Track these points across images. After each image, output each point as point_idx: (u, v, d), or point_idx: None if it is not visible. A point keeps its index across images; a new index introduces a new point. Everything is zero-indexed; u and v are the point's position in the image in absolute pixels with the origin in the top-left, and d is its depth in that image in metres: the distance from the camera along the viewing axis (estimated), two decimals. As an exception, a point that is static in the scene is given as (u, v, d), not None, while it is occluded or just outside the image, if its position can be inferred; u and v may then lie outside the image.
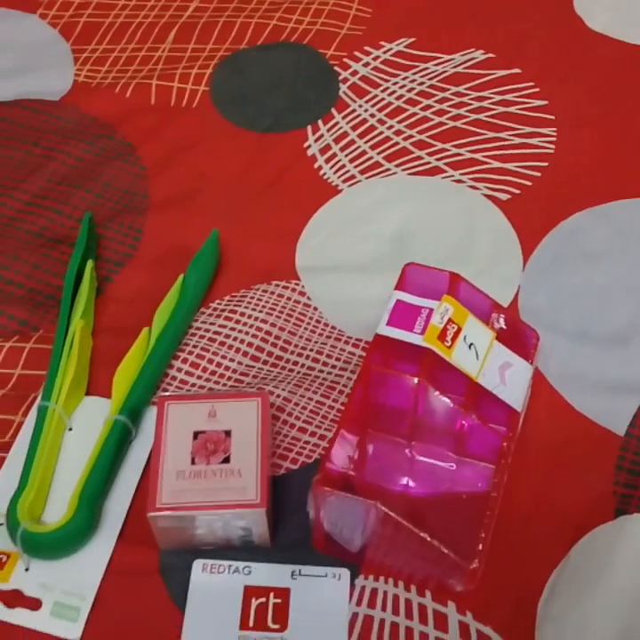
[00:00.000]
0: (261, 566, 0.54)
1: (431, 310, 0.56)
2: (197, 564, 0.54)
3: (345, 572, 0.54)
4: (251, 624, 0.52)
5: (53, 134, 0.79)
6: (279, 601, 0.53)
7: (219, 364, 0.63)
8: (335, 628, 0.52)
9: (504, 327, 0.59)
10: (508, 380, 0.57)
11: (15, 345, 0.65)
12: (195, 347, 0.64)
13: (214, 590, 0.53)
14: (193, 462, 0.54)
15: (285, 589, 0.53)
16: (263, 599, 0.53)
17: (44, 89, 0.82)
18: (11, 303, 0.68)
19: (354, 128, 0.78)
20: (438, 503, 0.53)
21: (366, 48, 0.84)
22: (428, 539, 0.49)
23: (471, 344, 0.57)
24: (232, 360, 0.63)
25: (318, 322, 0.66)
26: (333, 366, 0.63)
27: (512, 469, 0.55)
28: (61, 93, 0.82)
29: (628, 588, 0.52)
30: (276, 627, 0.52)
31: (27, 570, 0.55)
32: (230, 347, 0.64)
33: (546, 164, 0.74)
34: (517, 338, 0.59)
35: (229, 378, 0.63)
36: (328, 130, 0.78)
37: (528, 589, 0.53)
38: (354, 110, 0.79)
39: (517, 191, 0.72)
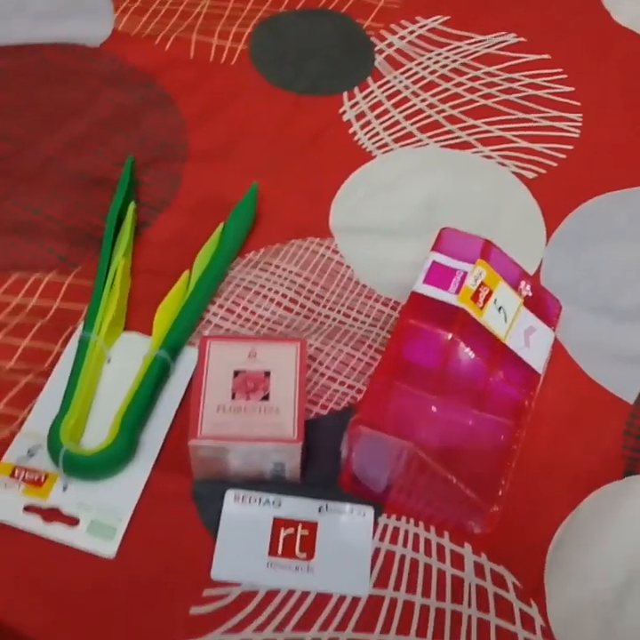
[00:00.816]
0: (290, 500, 0.60)
1: (466, 273, 0.62)
2: (230, 494, 0.59)
3: (369, 510, 0.59)
4: (279, 552, 0.58)
5: (94, 79, 0.83)
6: (306, 533, 0.58)
7: (253, 312, 0.68)
8: (359, 561, 0.57)
9: (530, 294, 0.65)
10: (532, 343, 0.63)
11: (54, 278, 0.70)
12: (230, 294, 0.69)
13: (245, 519, 0.59)
14: (233, 398, 0.59)
15: (313, 523, 0.59)
16: (291, 530, 0.58)
17: (84, 35, 0.86)
18: (50, 238, 0.72)
19: (388, 98, 0.83)
20: (462, 453, 0.59)
21: (402, 22, 0.89)
22: (454, 480, 0.55)
23: (500, 307, 0.62)
24: (266, 309, 0.69)
25: (350, 279, 0.71)
26: (363, 322, 0.69)
27: (529, 426, 0.61)
28: (101, 40, 0.86)
29: (633, 541, 0.58)
30: (303, 556, 0.57)
31: (65, 489, 0.60)
32: (264, 296, 0.69)
33: (571, 147, 0.80)
34: (541, 305, 0.65)
35: (262, 326, 0.68)
36: (363, 97, 0.83)
37: (539, 536, 0.59)
38: (388, 81, 0.84)
39: (543, 171, 0.78)
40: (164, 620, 0.55)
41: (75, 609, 0.55)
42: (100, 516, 0.59)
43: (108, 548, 0.58)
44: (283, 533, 0.58)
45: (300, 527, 0.59)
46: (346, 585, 0.56)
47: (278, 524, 0.59)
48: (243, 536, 0.58)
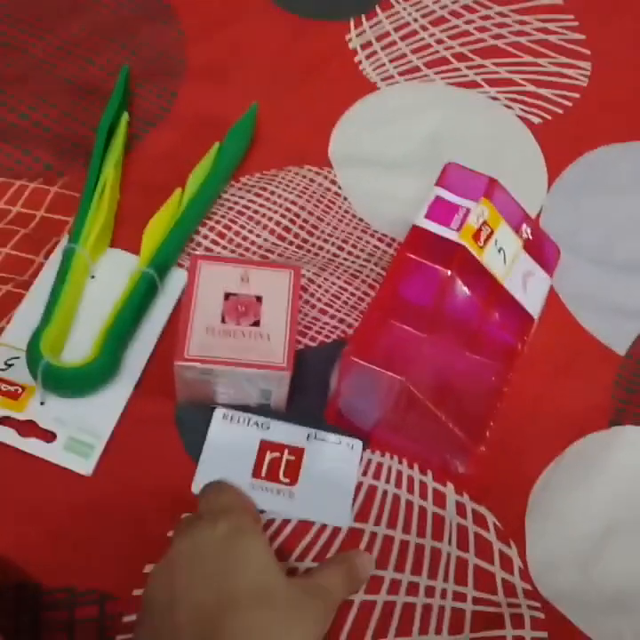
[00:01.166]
0: (279, 425, 0.60)
1: (468, 210, 0.62)
2: (219, 412, 0.59)
3: (358, 444, 0.60)
4: (263, 474, 0.58)
5: (89, -17, 0.81)
6: (292, 458, 0.58)
7: (245, 238, 0.68)
8: (342, 492, 0.58)
9: (530, 238, 0.64)
10: (529, 288, 0.63)
11: (39, 187, 0.68)
12: (223, 217, 0.68)
13: (231, 439, 0.59)
14: (223, 321, 0.58)
15: (300, 449, 0.59)
16: (277, 454, 0.58)
17: None
18: (37, 145, 0.70)
19: (396, 29, 0.82)
20: (451, 392, 0.59)
21: (415, -49, 0.88)
22: (444, 418, 0.55)
23: (501, 248, 0.62)
24: (258, 236, 0.68)
25: (346, 211, 0.71)
26: (357, 256, 0.68)
27: (520, 371, 0.61)
28: (100, -57, 0.84)
29: (615, 490, 0.59)
30: (287, 480, 0.58)
31: (42, 403, 0.59)
32: (257, 222, 0.68)
33: (578, 95, 0.79)
34: (540, 250, 0.65)
35: (254, 252, 0.67)
36: (371, 26, 0.82)
37: (523, 479, 0.59)
38: (398, 11, 0.83)
39: (549, 117, 0.77)
40: (140, 541, 0.55)
41: (48, 525, 0.55)
42: (77, 434, 0.58)
43: (85, 465, 0.57)
44: (268, 456, 0.58)
45: (286, 452, 0.59)
46: (327, 514, 0.57)
47: (265, 446, 0.59)
48: (227, 455, 0.58)
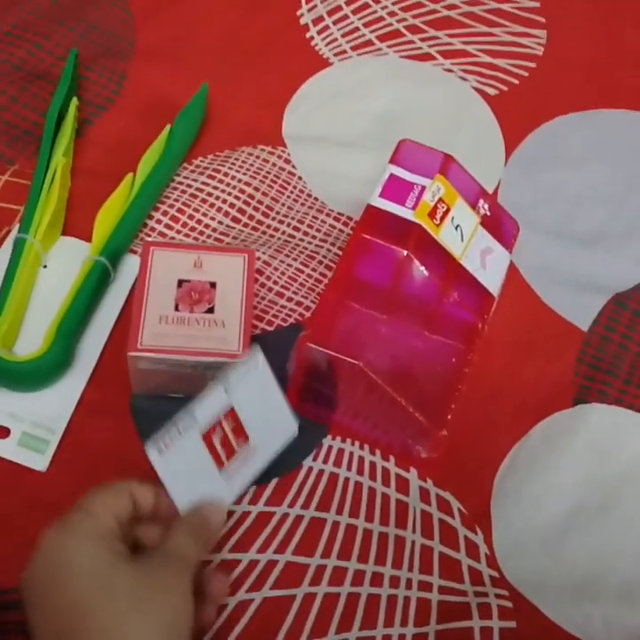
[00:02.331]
0: (199, 406, 0.50)
1: (423, 187, 0.57)
2: (152, 449, 0.49)
3: (257, 351, 0.51)
4: (223, 459, 0.51)
5: (36, -35, 0.75)
6: (231, 423, 0.51)
7: (199, 221, 0.63)
8: (278, 407, 0.52)
9: (488, 214, 0.60)
10: (488, 265, 0.59)
11: (-11, 176, 0.63)
12: (176, 200, 0.63)
13: (180, 461, 0.50)
14: (176, 309, 0.53)
15: (230, 409, 0.51)
16: (220, 432, 0.51)
17: None
18: (-15, 134, 0.65)
19: (348, 3, 0.76)
20: (411, 374, 0.55)
21: None
22: (403, 403, 0.51)
23: (458, 225, 0.57)
24: (213, 219, 0.63)
25: (302, 191, 0.66)
26: (313, 237, 0.64)
27: (481, 351, 0.57)
28: None
29: (580, 470, 0.55)
30: (242, 442, 0.51)
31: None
32: (211, 205, 0.63)
33: (534, 65, 0.74)
34: (499, 226, 0.61)
35: (209, 236, 0.62)
36: (322, 1, 0.76)
37: (487, 462, 0.55)
38: (349, -15, 0.78)
39: (505, 88, 0.72)
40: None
41: (2, 521, 0.51)
42: (31, 429, 0.54)
43: (39, 461, 0.53)
44: (216, 441, 0.51)
45: (224, 424, 0.51)
46: (281, 437, 0.52)
47: (207, 437, 0.51)
48: (188, 475, 0.51)
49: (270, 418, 0.52)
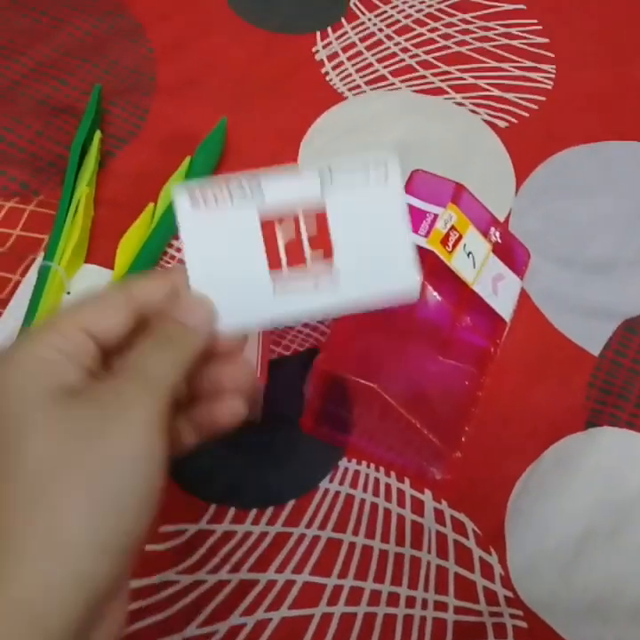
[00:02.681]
0: (274, 180, 0.37)
1: (436, 216, 0.57)
2: (182, 196, 0.36)
3: (394, 168, 0.38)
4: (281, 262, 0.37)
5: (63, 5, 0.76)
6: (314, 228, 0.37)
7: (218, 249, 0.63)
8: (395, 242, 0.38)
9: (499, 241, 0.60)
10: (500, 291, 0.59)
11: (15, 206, 0.64)
12: (195, 229, 0.64)
13: (217, 229, 0.37)
14: (196, 334, 0.54)
15: (321, 213, 0.37)
16: (290, 229, 0.37)
17: (53, -42, 0.79)
18: (12, 165, 0.66)
19: (362, 40, 0.77)
20: (425, 397, 0.55)
21: (379, -36, 0.83)
22: (418, 425, 0.51)
23: (470, 253, 0.58)
24: (231, 246, 0.63)
25: (318, 219, 0.66)
26: (329, 263, 0.64)
27: (493, 375, 0.57)
28: (71, -35, 0.79)
29: (593, 493, 0.55)
30: (319, 253, 0.37)
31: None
32: (230, 233, 0.64)
33: (544, 98, 0.75)
34: (510, 253, 0.61)
35: (227, 263, 0.63)
36: (337, 38, 0.77)
37: (501, 484, 0.55)
38: (363, 22, 0.79)
39: (515, 120, 0.73)
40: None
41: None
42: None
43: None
44: (280, 235, 0.37)
45: (301, 220, 0.37)
46: (386, 282, 0.38)
47: (268, 225, 0.37)
48: (220, 261, 0.37)
49: (379, 252, 0.38)
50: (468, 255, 0.58)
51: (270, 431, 0.56)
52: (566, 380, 0.60)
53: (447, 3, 0.81)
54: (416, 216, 0.58)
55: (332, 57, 0.76)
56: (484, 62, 0.77)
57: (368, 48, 0.77)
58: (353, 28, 0.78)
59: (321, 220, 0.37)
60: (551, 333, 0.62)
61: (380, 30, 0.78)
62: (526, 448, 0.57)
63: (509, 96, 0.75)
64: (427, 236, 0.56)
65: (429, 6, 0.80)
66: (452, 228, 0.58)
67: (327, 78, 0.75)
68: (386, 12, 0.80)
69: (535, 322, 0.62)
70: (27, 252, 0.62)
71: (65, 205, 0.62)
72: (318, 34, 0.78)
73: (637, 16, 0.82)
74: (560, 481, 0.55)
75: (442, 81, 0.75)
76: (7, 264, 0.61)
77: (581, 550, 0.52)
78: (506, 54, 0.78)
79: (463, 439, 0.53)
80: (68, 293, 0.60)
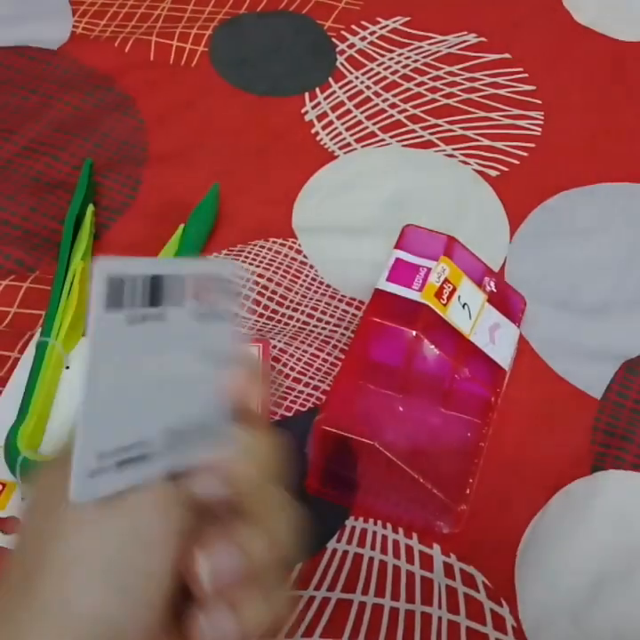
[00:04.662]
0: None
1: (429, 269, 0.60)
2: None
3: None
4: None
5: (51, 82, 0.81)
6: None
7: (215, 314, 0.66)
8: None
9: (494, 291, 0.63)
10: (497, 340, 0.61)
11: (11, 284, 0.67)
12: (192, 295, 0.67)
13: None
14: (195, 400, 0.56)
15: None
16: None
17: (42, 38, 0.84)
18: (7, 243, 0.69)
19: (350, 98, 0.81)
20: (428, 451, 0.57)
21: (363, 22, 0.87)
22: (422, 480, 0.53)
23: (465, 304, 0.60)
24: (228, 310, 0.66)
25: (314, 279, 0.69)
26: (327, 322, 0.67)
27: (496, 424, 0.59)
28: (59, 43, 0.83)
29: (602, 538, 0.56)
30: None
31: (23, 499, 0.57)
32: (226, 298, 0.67)
33: (533, 145, 0.78)
34: (506, 302, 0.64)
35: (225, 327, 0.65)
36: (325, 98, 0.81)
37: (509, 534, 0.56)
38: (350, 81, 0.82)
39: (506, 169, 0.76)
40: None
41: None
42: (59, 525, 0.56)
43: (67, 557, 0.55)
44: None
45: None
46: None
47: None
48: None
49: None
50: (464, 306, 0.60)
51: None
52: (570, 424, 0.62)
53: (433, 57, 0.85)
54: (409, 271, 0.60)
55: (321, 117, 0.80)
56: (472, 113, 0.80)
57: (357, 106, 0.81)
58: (341, 87, 0.82)
59: None
60: (552, 378, 0.64)
61: (368, 88, 0.82)
62: (533, 496, 0.58)
63: (499, 145, 0.78)
64: (420, 290, 0.59)
65: (415, 61, 0.84)
66: (446, 280, 0.60)
67: (317, 138, 0.78)
68: (373, 69, 0.84)
69: (535, 368, 0.64)
70: (25, 329, 0.65)
71: (60, 280, 0.65)
72: (307, 95, 0.81)
73: (622, 61, 0.86)
74: (568, 527, 0.56)
75: (431, 134, 0.79)
76: (5, 342, 0.64)
77: (594, 597, 0.54)
78: (493, 104, 0.81)
79: (468, 491, 0.55)
80: (68, 367, 0.63)
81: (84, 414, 0.31)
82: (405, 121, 0.79)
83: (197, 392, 0.34)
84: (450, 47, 0.86)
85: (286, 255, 0.70)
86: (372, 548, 0.56)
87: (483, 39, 0.87)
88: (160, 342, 0.33)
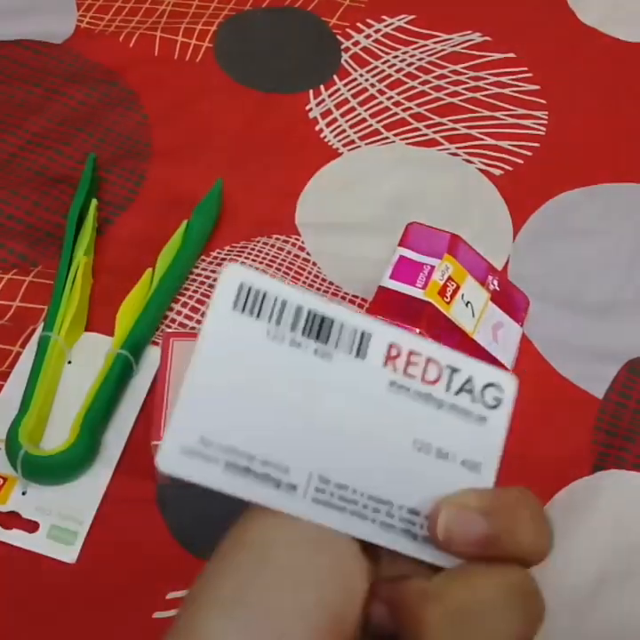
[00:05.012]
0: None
1: (433, 267, 0.60)
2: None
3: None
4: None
5: (55, 77, 0.80)
6: None
7: (217, 310, 0.66)
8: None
9: (498, 289, 0.63)
10: (500, 338, 0.61)
11: (14, 278, 0.67)
12: (195, 292, 0.67)
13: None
14: (197, 396, 0.55)
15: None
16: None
17: (46, 31, 0.83)
18: (10, 237, 0.69)
19: (354, 96, 0.81)
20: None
21: (368, 20, 0.87)
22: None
23: (468, 302, 0.60)
24: (231, 307, 0.66)
25: (317, 276, 0.69)
26: (329, 319, 0.66)
27: (499, 424, 0.59)
28: (64, 37, 0.83)
29: (603, 537, 0.56)
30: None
31: (24, 493, 0.57)
32: (229, 294, 0.66)
33: (537, 144, 0.78)
34: (509, 301, 0.64)
35: (227, 323, 0.65)
36: (329, 95, 0.81)
37: (510, 534, 0.57)
38: (355, 79, 0.82)
39: (510, 168, 0.76)
40: (127, 624, 0.52)
41: (34, 614, 0.53)
42: (59, 521, 0.56)
43: (68, 553, 0.55)
44: None
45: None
46: None
47: None
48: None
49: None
50: (467, 305, 0.60)
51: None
52: (572, 424, 0.62)
53: (437, 55, 0.85)
54: (412, 269, 0.60)
55: (325, 114, 0.80)
56: (477, 112, 0.80)
57: (361, 104, 0.81)
58: (345, 85, 0.82)
59: None
60: (554, 378, 0.64)
61: (373, 85, 0.82)
62: (534, 494, 0.58)
63: (503, 144, 0.78)
64: (424, 287, 0.59)
65: (420, 59, 0.84)
66: (450, 278, 0.60)
67: (322, 135, 0.78)
68: (377, 67, 0.84)
69: (538, 367, 0.64)
70: (27, 323, 0.65)
71: (63, 275, 0.65)
72: (311, 92, 0.81)
73: (627, 60, 0.86)
74: (570, 526, 0.57)
75: (435, 132, 0.78)
76: (8, 336, 0.64)
77: (595, 596, 0.54)
78: (498, 103, 0.81)
79: (470, 490, 0.55)
80: (70, 362, 0.63)
81: (191, 384, 0.31)
82: (409, 119, 0.79)
83: (393, 467, 0.33)
84: (455, 46, 0.86)
85: (289, 252, 0.70)
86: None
87: (488, 38, 0.87)
88: (318, 378, 0.32)
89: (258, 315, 0.31)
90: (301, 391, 0.31)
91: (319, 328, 0.32)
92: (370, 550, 0.32)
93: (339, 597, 0.30)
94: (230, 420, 0.31)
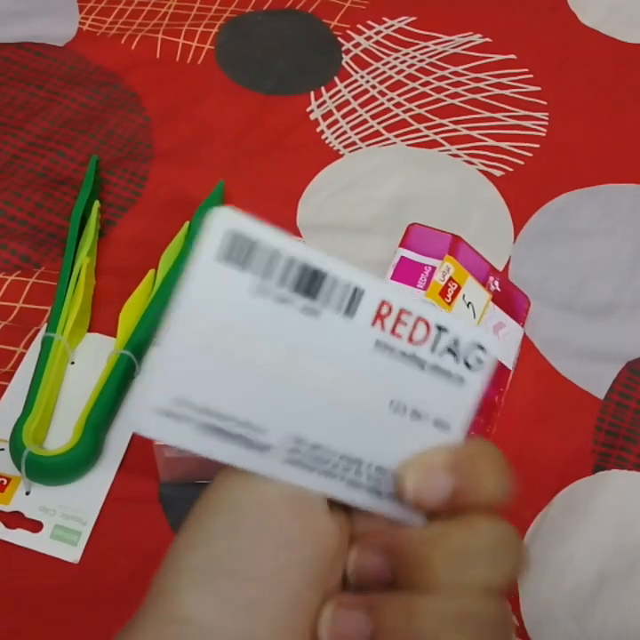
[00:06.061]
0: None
1: (434, 268, 0.60)
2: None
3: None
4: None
5: (57, 79, 0.81)
6: None
7: (219, 311, 0.66)
8: None
9: (499, 290, 0.63)
10: (501, 339, 0.61)
11: (17, 279, 0.67)
12: (197, 292, 0.67)
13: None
14: (200, 397, 0.56)
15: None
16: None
17: (48, 34, 0.84)
18: (13, 238, 0.70)
19: (355, 97, 0.81)
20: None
21: (369, 22, 0.87)
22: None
23: (469, 303, 0.61)
24: (233, 307, 0.66)
25: (318, 277, 0.69)
26: (331, 320, 0.67)
27: (499, 423, 0.59)
28: (66, 40, 0.84)
29: (604, 537, 0.56)
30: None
31: (28, 493, 0.57)
32: (231, 295, 0.67)
33: (538, 145, 0.78)
34: (510, 301, 0.64)
35: (229, 324, 0.65)
36: (330, 97, 0.81)
37: (512, 532, 0.57)
38: (356, 80, 0.83)
39: (510, 169, 0.76)
40: (130, 625, 0.53)
41: (39, 614, 0.53)
42: (63, 521, 0.56)
43: (72, 554, 0.55)
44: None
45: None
46: None
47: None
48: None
49: None
50: (468, 306, 0.61)
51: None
52: (573, 424, 0.62)
53: (438, 57, 0.85)
54: (413, 270, 0.60)
55: (326, 116, 0.80)
56: (477, 113, 0.80)
57: (362, 105, 0.81)
58: (346, 86, 0.82)
59: None
60: (555, 378, 0.64)
61: (373, 87, 0.82)
62: (535, 496, 0.58)
63: (504, 145, 0.78)
64: (425, 288, 0.59)
65: (420, 61, 0.84)
66: (451, 279, 0.60)
67: (323, 137, 0.78)
68: (378, 68, 0.84)
69: (539, 368, 0.64)
70: (30, 324, 0.65)
71: (66, 276, 0.65)
72: (312, 94, 0.82)
73: (627, 61, 0.86)
74: (571, 527, 0.57)
75: (436, 134, 0.79)
76: (11, 337, 0.64)
77: (596, 596, 0.54)
78: (498, 104, 0.81)
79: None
80: (73, 363, 0.63)
81: (167, 345, 0.29)
82: (410, 120, 0.80)
83: (367, 426, 0.32)
84: (455, 47, 0.86)
85: (291, 253, 0.70)
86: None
87: (488, 40, 0.87)
88: (302, 338, 0.31)
89: (244, 266, 0.29)
90: (282, 351, 0.30)
91: (309, 282, 0.30)
92: (342, 507, 0.33)
93: (313, 556, 0.31)
94: (206, 379, 0.30)
